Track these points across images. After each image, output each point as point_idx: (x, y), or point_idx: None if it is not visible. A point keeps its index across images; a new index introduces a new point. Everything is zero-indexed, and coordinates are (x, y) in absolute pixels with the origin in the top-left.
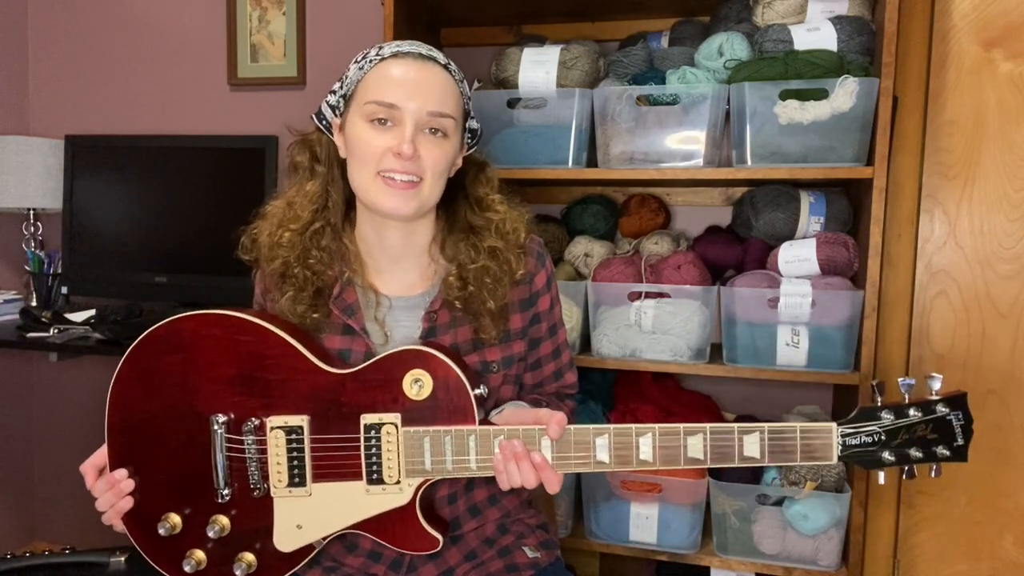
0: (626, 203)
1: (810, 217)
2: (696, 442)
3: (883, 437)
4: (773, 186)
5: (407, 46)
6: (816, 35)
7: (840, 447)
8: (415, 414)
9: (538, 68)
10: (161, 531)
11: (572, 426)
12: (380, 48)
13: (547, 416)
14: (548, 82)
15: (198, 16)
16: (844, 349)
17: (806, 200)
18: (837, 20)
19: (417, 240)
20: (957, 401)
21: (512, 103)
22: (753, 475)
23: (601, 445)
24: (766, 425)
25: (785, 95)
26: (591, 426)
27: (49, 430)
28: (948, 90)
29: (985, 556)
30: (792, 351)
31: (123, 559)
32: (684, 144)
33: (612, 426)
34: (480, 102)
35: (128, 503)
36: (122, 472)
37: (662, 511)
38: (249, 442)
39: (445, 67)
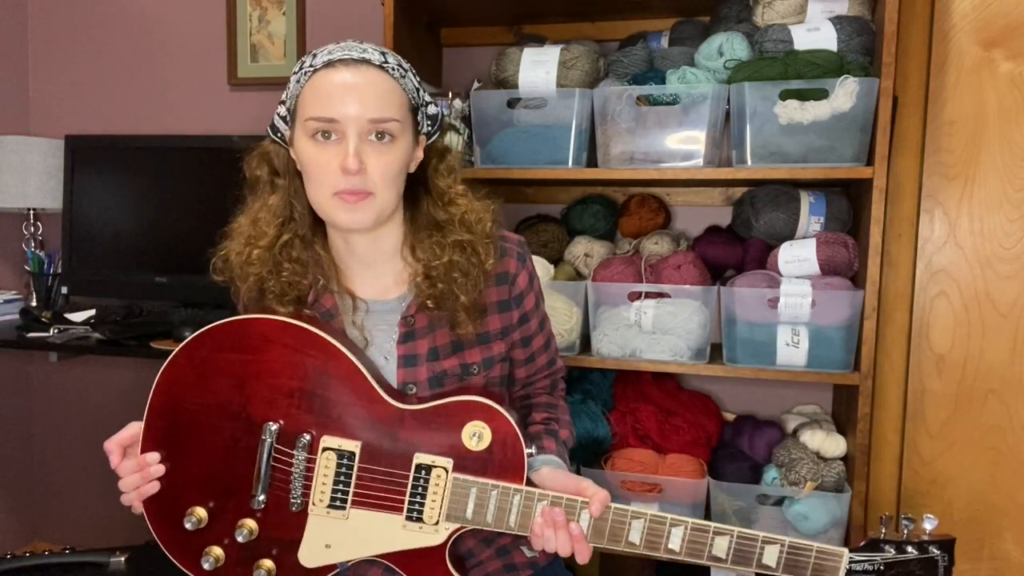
0: (626, 203)
1: (810, 217)
2: (722, 542)
3: (882, 568)
4: (773, 186)
5: (339, 52)
6: (816, 35)
7: (846, 572)
8: (468, 463)
9: (538, 68)
10: (187, 524)
11: (612, 504)
12: (314, 56)
13: (591, 489)
14: (548, 82)
15: (198, 16)
16: (844, 349)
17: (806, 200)
18: (837, 20)
19: (385, 244)
20: (947, 545)
21: (512, 103)
22: (753, 475)
23: (635, 528)
24: (787, 540)
25: (785, 95)
26: (629, 508)
27: (49, 430)
28: (948, 90)
29: (985, 556)
30: (792, 351)
31: (123, 559)
32: (684, 144)
33: (649, 512)
34: (480, 102)
35: (153, 488)
36: (154, 456)
37: (662, 511)
38: (299, 456)
39: (381, 67)
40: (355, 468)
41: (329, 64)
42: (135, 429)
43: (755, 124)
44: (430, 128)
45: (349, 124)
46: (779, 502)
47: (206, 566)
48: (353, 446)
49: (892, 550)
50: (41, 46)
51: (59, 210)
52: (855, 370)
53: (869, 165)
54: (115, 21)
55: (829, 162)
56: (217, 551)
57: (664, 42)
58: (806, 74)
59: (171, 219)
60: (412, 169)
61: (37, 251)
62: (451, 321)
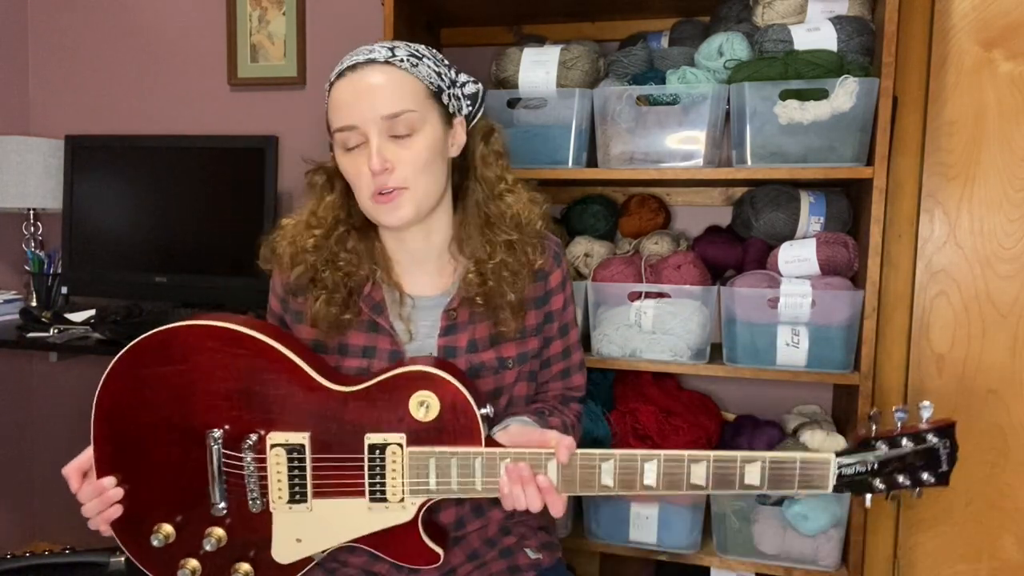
0: (626, 203)
1: (810, 217)
2: (699, 469)
3: (876, 466)
4: (773, 186)
5: (348, 59)
6: (816, 35)
7: (835, 478)
8: (421, 435)
9: (538, 68)
10: (155, 542)
11: (579, 451)
12: (331, 76)
13: (555, 439)
14: (548, 82)
15: (198, 16)
16: (844, 349)
17: (806, 200)
18: (837, 20)
19: (437, 240)
20: (946, 430)
21: (512, 103)
22: None
23: (606, 470)
24: (768, 454)
25: (785, 95)
26: (596, 451)
27: (49, 430)
28: (948, 90)
29: (985, 556)
30: (792, 351)
31: (123, 559)
32: (684, 144)
33: (618, 451)
34: None
35: (116, 511)
36: (110, 480)
37: (662, 511)
38: (248, 459)
39: (387, 62)
40: (308, 460)
41: (340, 75)
42: (91, 452)
43: (755, 124)
44: (470, 108)
45: (367, 126)
46: (779, 502)
47: None
48: (301, 438)
49: (885, 446)
50: (41, 46)
51: (59, 210)
52: (855, 370)
53: (869, 165)
54: (115, 21)
55: (829, 162)
56: (193, 563)
57: (664, 42)
58: (806, 74)
59: (171, 219)
60: (455, 153)
61: (37, 251)
62: (494, 317)
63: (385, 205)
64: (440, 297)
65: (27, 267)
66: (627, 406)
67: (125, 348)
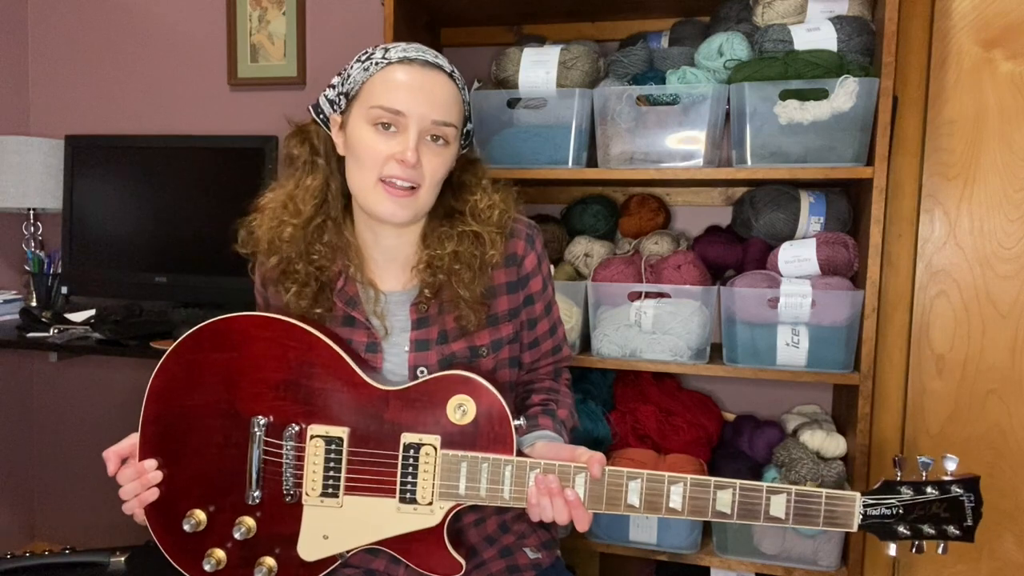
0: (626, 203)
1: (810, 217)
2: (725, 496)
3: (901, 511)
4: (773, 186)
5: (413, 51)
6: (816, 35)
7: (861, 516)
8: (455, 438)
9: (538, 68)
10: (186, 527)
11: (608, 468)
12: (387, 50)
13: (585, 454)
14: (548, 82)
15: (198, 16)
16: (844, 349)
17: (806, 200)
18: (837, 20)
19: (409, 238)
20: (971, 483)
21: (512, 103)
22: (753, 475)
23: (633, 489)
24: (794, 488)
25: (785, 95)
26: (625, 470)
27: (49, 430)
28: (948, 90)
29: (985, 556)
30: (792, 351)
31: (123, 559)
32: (684, 144)
33: (647, 472)
34: (480, 102)
35: (153, 495)
36: (151, 463)
37: None
38: (288, 447)
39: (450, 75)
40: (344, 454)
41: (403, 60)
42: (134, 439)
43: (755, 124)
44: (463, 141)
45: (413, 121)
46: None
47: (207, 568)
48: (341, 432)
49: (910, 491)
50: (41, 46)
51: (59, 210)
52: (855, 370)
53: (869, 165)
54: (115, 21)
55: (829, 162)
56: (219, 553)
57: (664, 42)
58: (806, 74)
59: (171, 219)
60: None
61: (37, 251)
62: (455, 312)
63: (392, 196)
64: (408, 292)
65: (27, 267)
66: (627, 406)
67: (185, 334)
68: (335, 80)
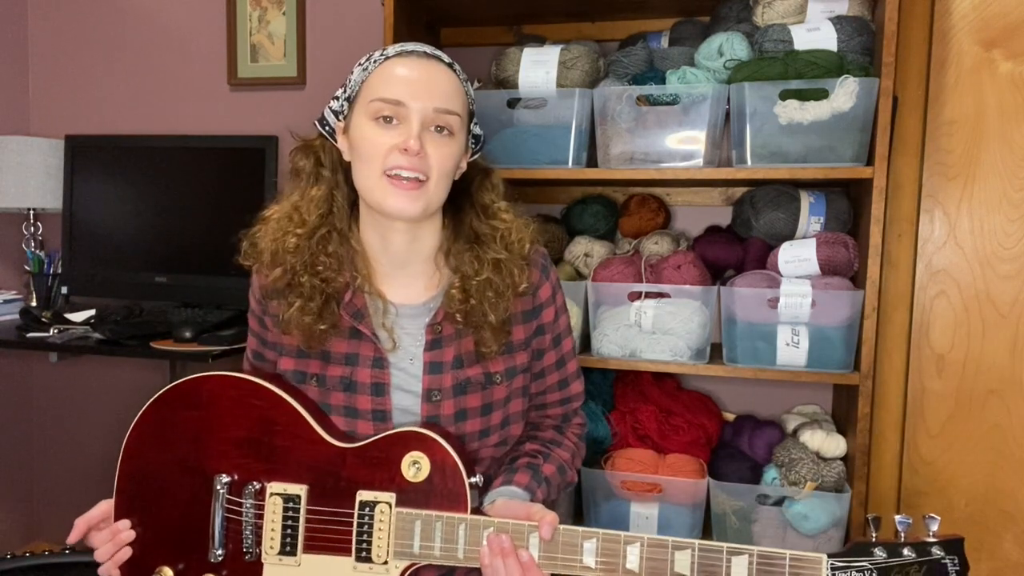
0: (626, 203)
1: (810, 217)
2: (684, 558)
3: (874, 575)
4: (773, 186)
5: (411, 46)
6: (816, 35)
7: None
8: (410, 496)
9: (538, 68)
10: None
11: (561, 527)
12: (384, 49)
13: (539, 514)
14: (548, 82)
15: (198, 16)
16: (844, 349)
17: (806, 200)
18: (837, 20)
19: (422, 246)
20: (954, 546)
21: (512, 103)
22: (753, 475)
23: (588, 550)
24: (756, 549)
25: (785, 95)
26: (580, 528)
27: (49, 430)
28: (948, 90)
29: (985, 556)
30: (792, 351)
31: None
32: (684, 144)
33: (601, 531)
34: (480, 102)
35: (126, 554)
36: (125, 523)
37: (662, 511)
38: (247, 505)
39: (450, 66)
40: (302, 511)
41: (401, 54)
42: (105, 507)
43: (755, 124)
44: (474, 146)
45: (414, 110)
46: (779, 502)
47: None
48: (299, 490)
49: (883, 553)
50: (41, 46)
51: (59, 210)
52: (855, 370)
53: (869, 165)
54: (115, 21)
55: (829, 162)
56: None
57: (664, 42)
58: (806, 74)
59: (171, 219)
60: (456, 177)
61: (37, 251)
62: (476, 337)
63: (399, 190)
64: (423, 306)
65: (27, 267)
66: (627, 406)
67: (159, 392)
68: (339, 91)
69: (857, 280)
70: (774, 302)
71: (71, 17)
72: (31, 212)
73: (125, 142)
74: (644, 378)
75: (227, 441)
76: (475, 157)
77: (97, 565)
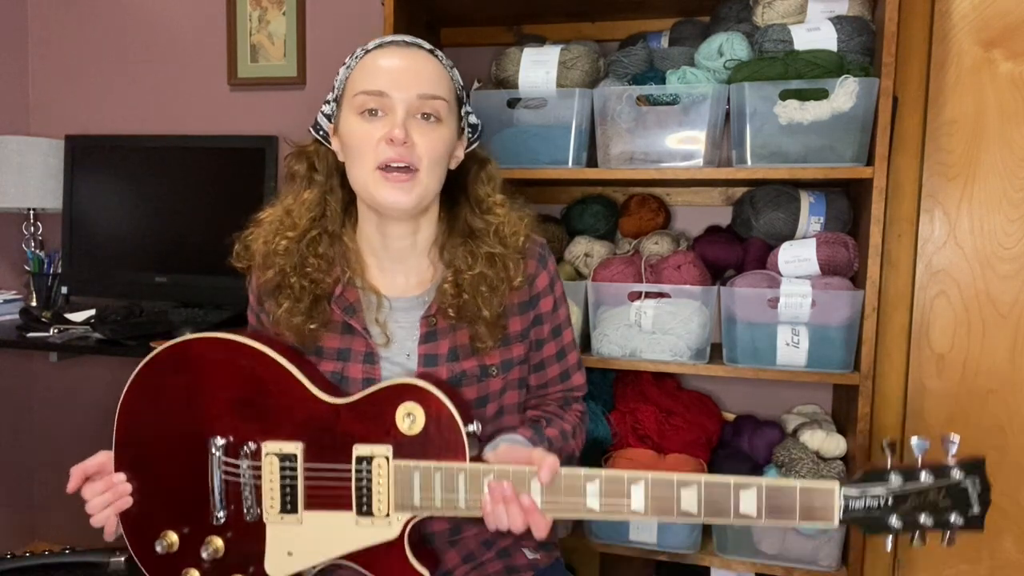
0: (626, 203)
1: (810, 217)
2: (690, 495)
3: (890, 501)
4: (773, 186)
5: (391, 37)
6: (816, 35)
7: (842, 509)
8: (407, 448)
9: (538, 68)
10: (158, 548)
11: (563, 469)
12: (365, 46)
13: (540, 458)
14: (548, 82)
15: (198, 16)
16: (844, 349)
17: (806, 200)
18: (837, 20)
19: (420, 240)
20: (974, 467)
21: (512, 103)
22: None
23: (592, 492)
24: (764, 480)
25: (785, 95)
26: (582, 470)
27: (49, 430)
28: (948, 90)
29: (985, 556)
30: (792, 351)
31: (123, 559)
32: (684, 144)
33: (604, 471)
34: (480, 102)
35: (127, 502)
36: (120, 476)
37: None
38: (244, 466)
39: (431, 52)
40: (299, 469)
41: (381, 46)
42: (102, 458)
43: (755, 124)
44: (471, 135)
45: (398, 99)
46: None
47: None
48: (294, 448)
49: (899, 479)
50: (41, 46)
51: (59, 210)
52: (855, 370)
53: (869, 165)
54: (115, 21)
55: (829, 162)
56: (194, 573)
57: (664, 42)
58: (806, 74)
59: (171, 219)
60: (453, 166)
61: (37, 251)
62: (471, 332)
63: (391, 183)
64: (417, 299)
65: (27, 267)
66: (627, 406)
67: (145, 359)
68: (328, 95)
69: (857, 280)
70: (774, 302)
71: (71, 17)
72: (31, 212)
73: (125, 142)
74: (644, 378)
75: (219, 403)
76: (473, 147)
77: (97, 565)
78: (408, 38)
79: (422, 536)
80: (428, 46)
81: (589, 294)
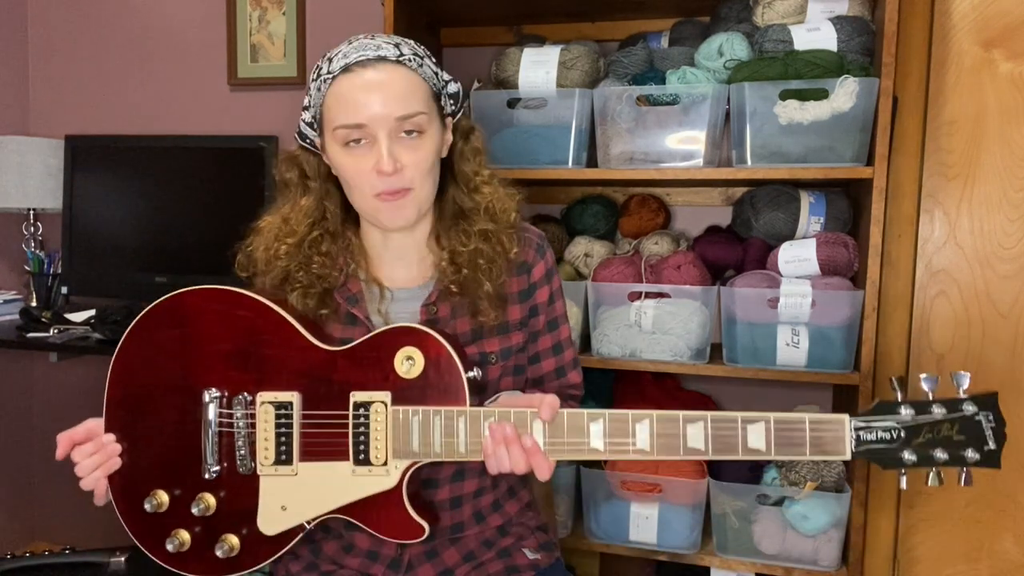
0: (626, 203)
1: (810, 217)
2: (696, 431)
3: (902, 434)
4: (773, 186)
5: (354, 53)
6: (816, 35)
7: (854, 441)
8: (406, 393)
9: (538, 68)
10: (147, 507)
11: (565, 410)
12: (330, 62)
13: (539, 399)
14: (548, 82)
15: (198, 16)
16: (844, 349)
17: (806, 200)
18: (837, 20)
19: (419, 235)
20: (987, 401)
21: (512, 103)
22: (753, 475)
23: (596, 432)
24: (772, 415)
25: (785, 95)
26: (585, 411)
27: (49, 430)
28: (948, 90)
29: (985, 556)
30: (792, 351)
31: (123, 559)
32: (684, 144)
33: (608, 411)
34: (480, 102)
35: (116, 464)
36: (110, 436)
37: (662, 511)
38: (239, 416)
39: (398, 61)
40: (295, 419)
41: (346, 69)
42: (91, 424)
43: (755, 124)
44: (453, 107)
45: (377, 126)
46: (779, 502)
47: (170, 548)
48: (290, 396)
49: (910, 411)
50: (41, 46)
51: (59, 210)
52: (855, 370)
53: (869, 165)
54: (115, 21)
55: (829, 162)
56: (183, 534)
57: (664, 42)
58: (806, 74)
59: (171, 219)
60: (445, 153)
61: (37, 251)
62: (472, 308)
63: (391, 204)
64: (418, 289)
65: (27, 267)
66: (627, 406)
67: (140, 314)
68: (305, 101)
69: (857, 280)
70: (774, 302)
71: (71, 17)
72: (31, 212)
73: (125, 142)
74: (644, 378)
75: (214, 355)
76: (458, 118)
77: (98, 565)
78: (370, 51)
79: (422, 493)
80: (393, 54)
81: (589, 294)
